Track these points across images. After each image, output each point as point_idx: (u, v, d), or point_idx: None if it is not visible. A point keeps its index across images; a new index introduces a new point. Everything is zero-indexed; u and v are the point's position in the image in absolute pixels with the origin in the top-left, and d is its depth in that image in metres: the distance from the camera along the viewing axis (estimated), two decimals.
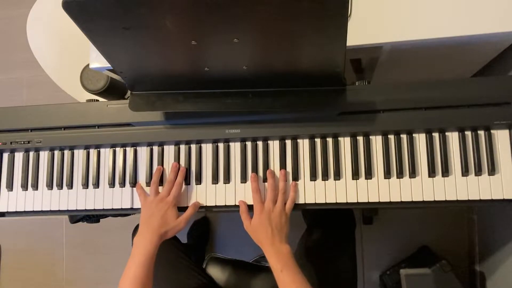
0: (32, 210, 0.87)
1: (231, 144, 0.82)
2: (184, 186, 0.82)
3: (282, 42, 0.61)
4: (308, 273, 0.89)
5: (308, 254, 0.93)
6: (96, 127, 0.84)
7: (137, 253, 0.74)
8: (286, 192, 0.78)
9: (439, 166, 0.76)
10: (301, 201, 0.79)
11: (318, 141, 0.80)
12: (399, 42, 0.76)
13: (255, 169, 0.81)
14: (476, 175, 0.75)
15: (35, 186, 0.87)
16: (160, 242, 0.76)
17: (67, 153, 0.87)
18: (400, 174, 0.77)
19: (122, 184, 0.84)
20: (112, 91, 0.93)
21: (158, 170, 0.82)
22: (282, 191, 0.78)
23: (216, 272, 1.01)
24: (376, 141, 0.79)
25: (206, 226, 1.62)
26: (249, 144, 0.82)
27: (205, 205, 0.82)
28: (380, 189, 0.77)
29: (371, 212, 1.44)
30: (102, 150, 0.86)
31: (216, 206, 0.82)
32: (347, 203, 0.78)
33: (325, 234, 0.96)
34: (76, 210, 0.86)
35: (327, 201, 0.78)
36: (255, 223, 0.76)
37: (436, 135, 0.77)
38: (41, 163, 0.87)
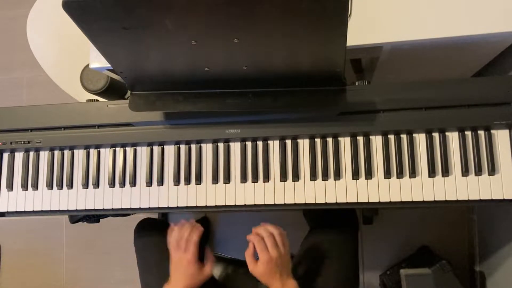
0: (32, 210, 0.87)
1: (231, 144, 0.82)
2: (184, 186, 0.82)
3: (282, 42, 0.61)
4: (309, 275, 0.89)
5: (310, 255, 0.93)
6: (96, 127, 0.84)
7: None
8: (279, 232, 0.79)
9: (439, 166, 0.76)
10: (301, 201, 0.79)
11: (318, 141, 0.80)
12: (399, 42, 0.76)
13: (255, 169, 0.81)
14: (476, 175, 0.75)
15: (35, 186, 0.87)
16: None
17: (67, 153, 0.87)
18: (400, 174, 0.77)
19: (122, 184, 0.84)
20: (112, 91, 0.93)
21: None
22: (277, 232, 0.78)
23: (217, 271, 1.01)
24: (376, 141, 0.79)
25: (206, 225, 1.62)
26: (249, 144, 0.82)
27: (205, 205, 0.82)
28: (380, 189, 0.77)
29: (371, 212, 1.44)
30: (102, 150, 0.86)
31: (216, 206, 0.82)
32: (347, 203, 0.78)
33: (328, 235, 0.96)
34: (76, 210, 0.85)
35: (327, 201, 0.78)
36: (263, 271, 0.77)
37: (436, 135, 0.77)
38: (41, 163, 0.87)
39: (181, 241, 0.80)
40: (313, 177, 0.79)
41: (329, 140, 0.80)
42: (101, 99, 0.89)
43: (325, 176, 0.79)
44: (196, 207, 0.82)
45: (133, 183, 0.84)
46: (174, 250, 0.81)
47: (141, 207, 0.83)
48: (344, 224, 0.97)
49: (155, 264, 0.95)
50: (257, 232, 0.79)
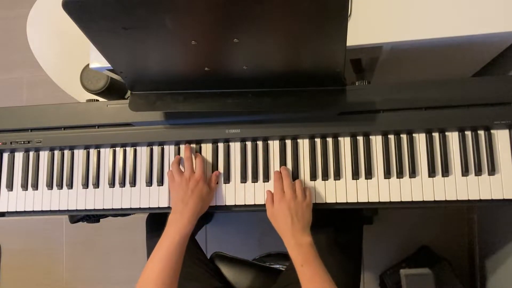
0: (32, 210, 0.87)
1: (231, 144, 0.82)
2: None
3: (282, 42, 0.61)
4: None
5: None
6: (96, 127, 0.84)
7: (172, 231, 0.72)
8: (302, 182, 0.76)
9: (439, 166, 0.76)
10: None
11: (318, 141, 0.80)
12: (399, 42, 0.76)
13: (255, 169, 0.81)
14: (476, 175, 0.75)
15: (35, 186, 0.87)
16: (197, 219, 0.75)
17: (67, 153, 0.87)
18: (400, 174, 0.77)
19: (122, 184, 0.84)
20: (112, 91, 0.93)
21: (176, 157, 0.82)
22: (299, 180, 0.76)
23: (224, 271, 1.01)
24: (376, 141, 0.79)
25: (207, 217, 1.59)
26: (249, 144, 0.82)
27: None
28: (380, 189, 0.77)
29: (371, 212, 1.44)
30: (102, 150, 0.86)
31: (215, 206, 0.81)
32: (347, 203, 0.78)
33: (331, 229, 0.94)
34: (76, 210, 0.86)
35: (327, 201, 0.78)
36: (275, 210, 0.73)
37: (436, 135, 0.77)
38: (41, 163, 0.87)
39: (187, 161, 0.79)
40: (313, 177, 0.79)
41: (329, 140, 0.80)
42: (101, 99, 0.89)
43: (325, 176, 0.79)
44: None
45: (133, 183, 0.84)
46: (177, 175, 0.78)
47: (141, 207, 0.83)
48: (349, 217, 0.96)
49: None
50: (280, 170, 0.77)
